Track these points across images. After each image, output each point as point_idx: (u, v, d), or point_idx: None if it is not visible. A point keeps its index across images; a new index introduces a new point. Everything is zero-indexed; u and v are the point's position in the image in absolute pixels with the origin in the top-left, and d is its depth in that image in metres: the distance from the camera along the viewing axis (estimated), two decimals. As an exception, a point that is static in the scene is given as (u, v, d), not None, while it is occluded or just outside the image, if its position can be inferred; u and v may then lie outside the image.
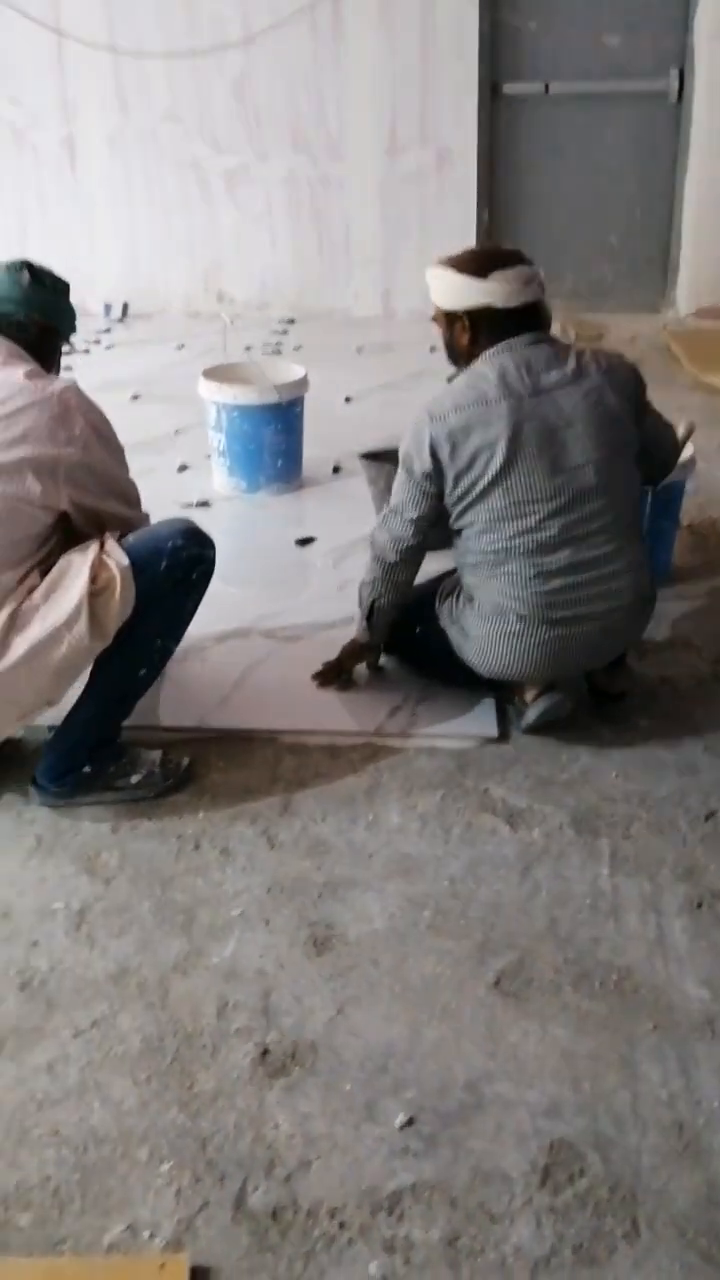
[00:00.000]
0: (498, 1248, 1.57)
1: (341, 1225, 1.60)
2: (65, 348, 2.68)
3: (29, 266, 2.51)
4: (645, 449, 2.64)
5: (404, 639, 2.79)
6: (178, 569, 2.41)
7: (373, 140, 5.93)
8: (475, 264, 2.51)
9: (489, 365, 2.50)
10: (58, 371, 2.62)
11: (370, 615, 2.73)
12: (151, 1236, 1.59)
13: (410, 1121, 1.75)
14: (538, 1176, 1.67)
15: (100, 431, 2.43)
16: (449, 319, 2.56)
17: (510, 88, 5.89)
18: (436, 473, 2.50)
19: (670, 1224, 1.60)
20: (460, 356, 2.59)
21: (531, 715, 2.62)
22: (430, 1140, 1.72)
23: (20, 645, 2.26)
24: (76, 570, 2.32)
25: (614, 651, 2.67)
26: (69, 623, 2.28)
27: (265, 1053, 1.87)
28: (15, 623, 2.28)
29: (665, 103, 5.82)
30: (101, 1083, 1.82)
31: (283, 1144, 1.72)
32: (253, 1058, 1.86)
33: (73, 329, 2.64)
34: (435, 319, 2.61)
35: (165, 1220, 1.61)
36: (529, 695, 2.63)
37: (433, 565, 2.75)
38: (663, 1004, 1.95)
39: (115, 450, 2.50)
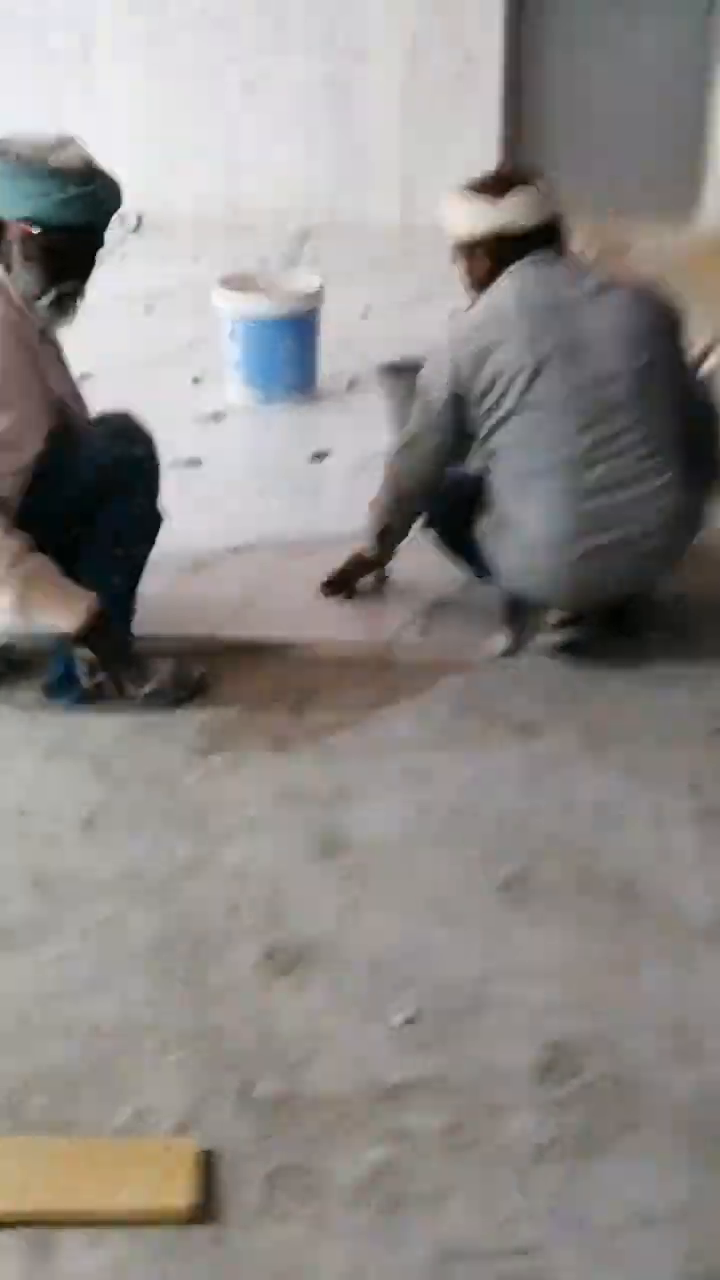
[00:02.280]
0: (497, 1138, 1.61)
1: (344, 1114, 1.64)
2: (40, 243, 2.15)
3: None
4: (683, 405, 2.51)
5: (445, 527, 2.72)
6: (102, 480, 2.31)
7: (395, 43, 5.76)
8: (491, 187, 2.46)
9: (508, 284, 2.44)
10: (41, 281, 2.21)
11: (381, 536, 2.72)
12: (159, 1122, 1.63)
13: (413, 1018, 1.78)
14: (538, 1072, 1.70)
15: None
16: (468, 250, 2.49)
17: (538, -12, 5.70)
18: (457, 399, 2.45)
19: (668, 1118, 1.64)
20: (481, 286, 2.51)
21: (551, 641, 2.61)
22: (433, 1037, 1.75)
23: None
24: None
25: (649, 579, 2.59)
26: None
27: (272, 952, 1.90)
28: None
29: (698, 4, 5.63)
30: (112, 977, 1.85)
31: (288, 1038, 1.75)
32: (260, 956, 1.89)
33: (23, 213, 2.13)
34: (454, 252, 2.53)
35: (173, 1107, 1.65)
36: (553, 618, 2.61)
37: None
38: (667, 910, 1.97)
39: None
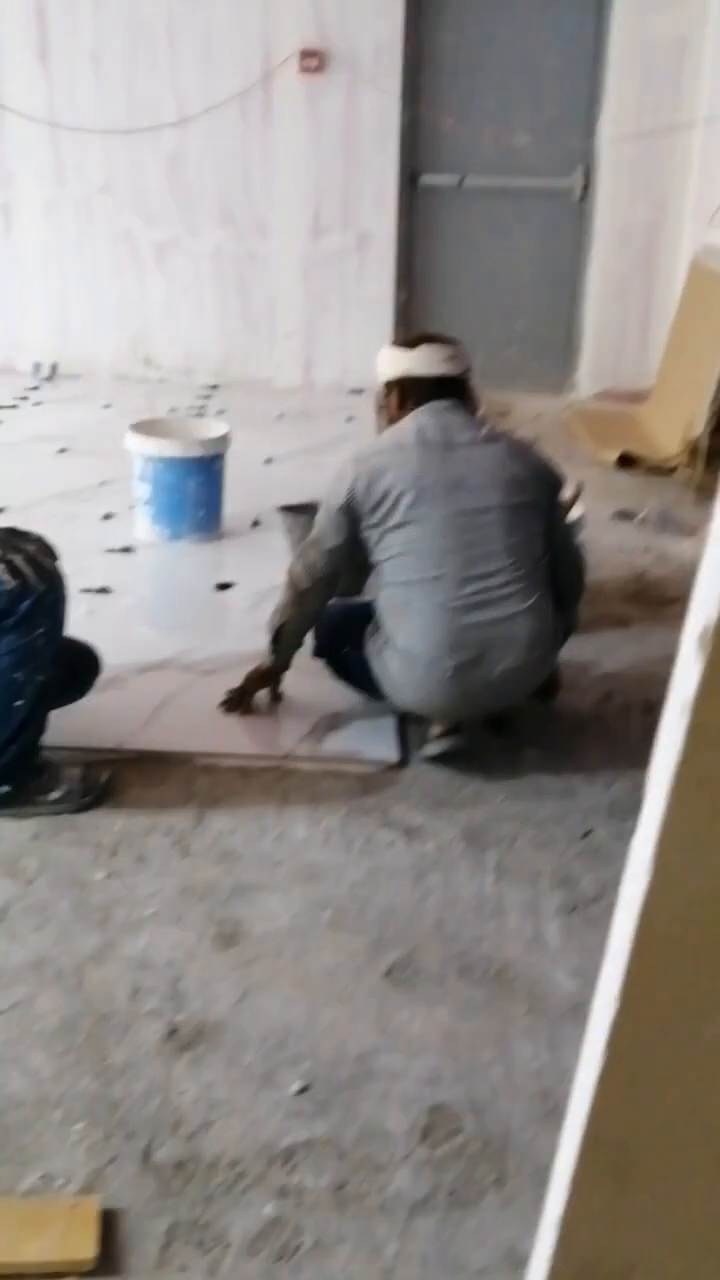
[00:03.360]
0: (380, 1193, 1.75)
1: (239, 1174, 1.76)
2: None
3: None
4: (553, 556, 2.87)
5: (334, 654, 3.02)
6: None
7: (297, 221, 6.29)
8: (408, 340, 2.99)
9: (411, 421, 2.84)
10: None
11: (277, 639, 2.96)
12: (64, 1185, 1.73)
13: (305, 1088, 1.92)
14: (418, 1134, 1.85)
15: None
16: (388, 388, 2.93)
17: (427, 179, 6.30)
18: (352, 507, 2.78)
19: (534, 1174, 1.79)
20: (393, 420, 2.92)
21: (433, 749, 2.84)
22: (323, 1104, 1.90)
23: None
24: None
25: (516, 694, 2.87)
26: None
27: (173, 1031, 2.03)
28: None
29: (570, 200, 6.28)
30: (20, 1055, 1.96)
31: (187, 1107, 1.88)
32: (161, 1035, 2.02)
33: None
34: (378, 395, 2.97)
35: (77, 1171, 1.76)
36: (435, 729, 2.86)
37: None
38: (536, 992, 2.16)
39: None
